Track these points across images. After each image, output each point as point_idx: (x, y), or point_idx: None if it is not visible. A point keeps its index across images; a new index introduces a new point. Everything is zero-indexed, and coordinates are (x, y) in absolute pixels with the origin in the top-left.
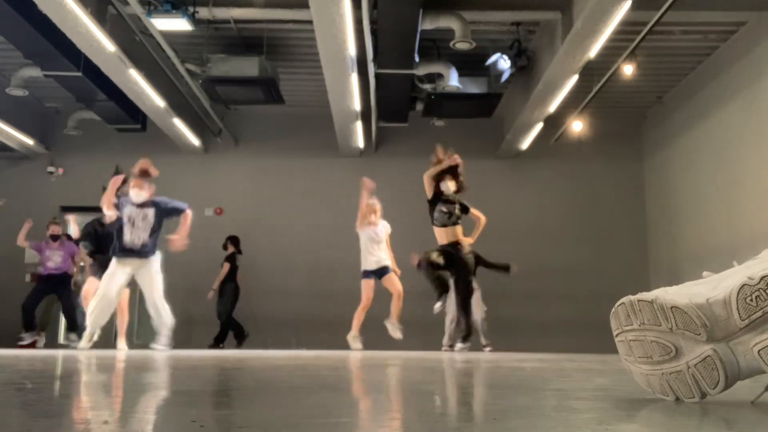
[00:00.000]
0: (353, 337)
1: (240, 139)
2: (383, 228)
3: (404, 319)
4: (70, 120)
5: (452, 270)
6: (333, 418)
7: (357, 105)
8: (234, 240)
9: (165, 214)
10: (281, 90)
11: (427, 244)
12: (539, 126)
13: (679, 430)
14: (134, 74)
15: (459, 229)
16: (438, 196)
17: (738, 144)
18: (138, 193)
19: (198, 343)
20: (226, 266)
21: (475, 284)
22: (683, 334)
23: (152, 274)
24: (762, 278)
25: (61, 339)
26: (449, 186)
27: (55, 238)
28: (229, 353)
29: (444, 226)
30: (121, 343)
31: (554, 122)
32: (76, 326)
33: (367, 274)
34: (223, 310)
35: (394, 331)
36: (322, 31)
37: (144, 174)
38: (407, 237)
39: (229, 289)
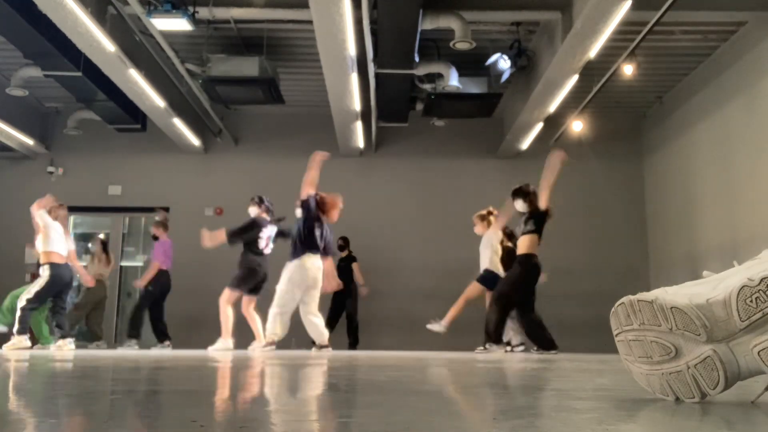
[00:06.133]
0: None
1: (240, 139)
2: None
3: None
4: (70, 120)
5: None
6: (336, 419)
7: (357, 105)
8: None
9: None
10: (281, 90)
11: (424, 243)
12: (539, 126)
13: (679, 430)
14: (134, 74)
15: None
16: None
17: (738, 144)
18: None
19: (199, 343)
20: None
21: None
22: (683, 335)
23: None
24: (762, 279)
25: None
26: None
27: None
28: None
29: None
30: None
31: (554, 122)
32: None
33: None
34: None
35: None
36: (322, 31)
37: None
38: (406, 236)
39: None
